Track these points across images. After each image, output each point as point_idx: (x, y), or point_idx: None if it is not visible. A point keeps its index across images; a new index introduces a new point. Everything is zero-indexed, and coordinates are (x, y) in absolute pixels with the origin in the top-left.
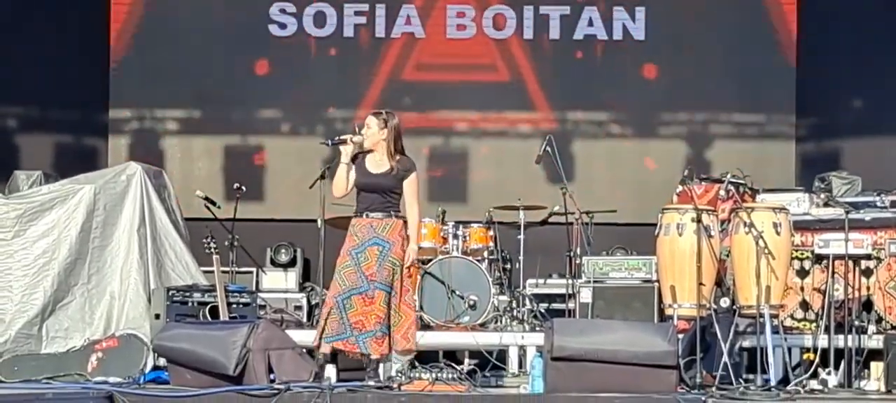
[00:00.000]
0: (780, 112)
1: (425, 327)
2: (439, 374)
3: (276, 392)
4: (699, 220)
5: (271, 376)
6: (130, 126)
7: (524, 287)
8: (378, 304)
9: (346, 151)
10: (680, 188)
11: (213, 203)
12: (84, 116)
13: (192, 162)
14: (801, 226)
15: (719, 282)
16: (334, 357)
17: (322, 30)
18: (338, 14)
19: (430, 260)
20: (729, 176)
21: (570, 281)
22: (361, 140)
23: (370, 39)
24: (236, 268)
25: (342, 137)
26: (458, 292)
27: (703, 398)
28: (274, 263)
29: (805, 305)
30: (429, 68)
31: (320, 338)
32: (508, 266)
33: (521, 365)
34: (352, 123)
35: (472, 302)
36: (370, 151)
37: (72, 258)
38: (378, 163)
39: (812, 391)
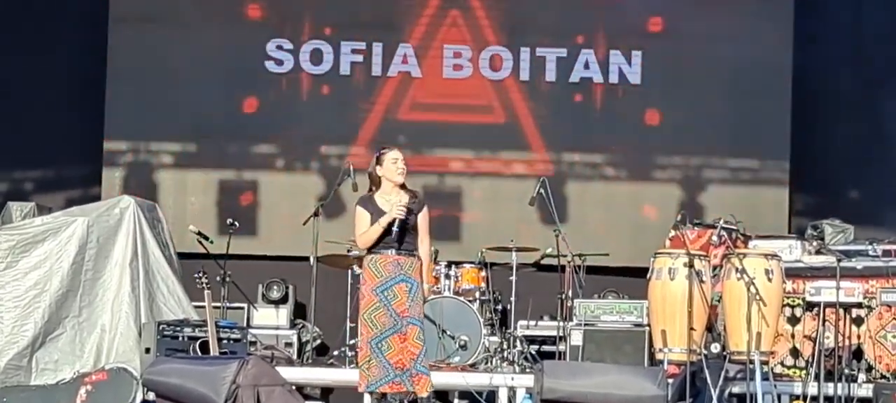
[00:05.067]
0: (774, 158)
1: None
2: None
3: None
4: (691, 265)
5: None
6: (125, 158)
7: (515, 328)
8: (411, 340)
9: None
10: (672, 233)
11: (206, 238)
12: (78, 148)
13: (186, 196)
14: (792, 274)
15: (710, 328)
16: (325, 394)
17: (318, 67)
18: (334, 51)
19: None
20: (721, 221)
21: (561, 324)
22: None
23: (366, 77)
24: (228, 304)
25: (401, 213)
26: (448, 332)
27: None
28: (265, 299)
29: (795, 352)
30: (424, 107)
31: (366, 386)
32: (500, 307)
33: None
34: (346, 160)
35: (462, 343)
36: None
37: (63, 290)
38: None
39: None
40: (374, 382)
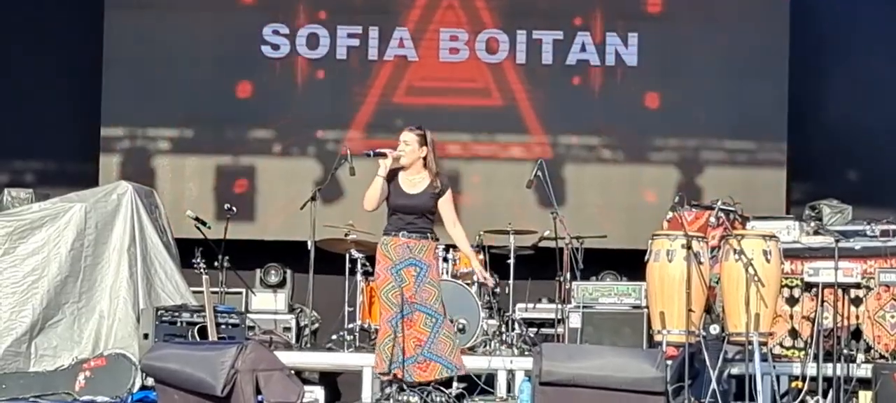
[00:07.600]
0: (772, 139)
1: None
2: (427, 398)
3: None
4: (689, 247)
5: (259, 397)
6: (122, 145)
7: (513, 311)
8: (418, 327)
9: (385, 165)
10: (670, 214)
11: (204, 223)
12: (75, 135)
13: (184, 181)
14: (790, 254)
15: (709, 309)
16: (324, 378)
17: (315, 51)
18: (331, 36)
19: None
20: (719, 202)
21: (559, 306)
22: (399, 156)
23: (363, 62)
24: (226, 289)
25: (382, 150)
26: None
27: None
28: (263, 284)
29: (794, 333)
30: (421, 91)
31: (388, 364)
32: (498, 290)
33: (509, 390)
34: (343, 145)
35: (461, 326)
36: (402, 169)
37: (61, 276)
38: (414, 183)
39: None
40: (396, 362)
